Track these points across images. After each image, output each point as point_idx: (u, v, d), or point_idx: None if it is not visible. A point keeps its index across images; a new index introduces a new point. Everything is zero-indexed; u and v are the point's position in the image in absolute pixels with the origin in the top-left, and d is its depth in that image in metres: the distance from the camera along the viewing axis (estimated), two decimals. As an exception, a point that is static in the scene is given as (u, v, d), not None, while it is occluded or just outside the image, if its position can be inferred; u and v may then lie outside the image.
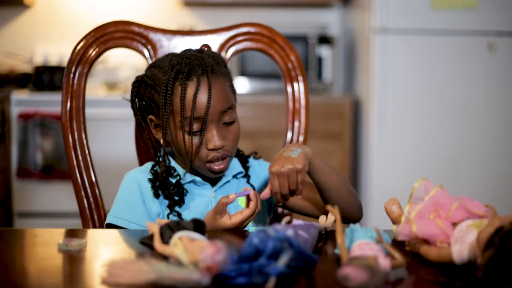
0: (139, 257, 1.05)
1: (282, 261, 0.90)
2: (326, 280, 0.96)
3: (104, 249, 1.18)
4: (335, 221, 1.17)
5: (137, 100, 1.41)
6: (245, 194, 1.29)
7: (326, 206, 1.09)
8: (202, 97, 1.33)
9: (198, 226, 1.07)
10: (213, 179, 1.43)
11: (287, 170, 1.24)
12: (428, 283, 0.96)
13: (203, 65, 1.34)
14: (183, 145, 1.35)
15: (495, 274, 0.87)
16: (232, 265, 0.90)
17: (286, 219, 1.21)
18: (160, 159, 1.40)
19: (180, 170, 1.42)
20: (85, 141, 1.59)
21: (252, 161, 1.52)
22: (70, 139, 1.58)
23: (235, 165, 1.47)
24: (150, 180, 1.39)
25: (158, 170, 1.39)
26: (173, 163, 1.43)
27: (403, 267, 0.99)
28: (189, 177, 1.41)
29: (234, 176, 1.46)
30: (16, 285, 0.95)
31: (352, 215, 1.39)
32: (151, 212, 1.38)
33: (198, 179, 1.41)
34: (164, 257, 0.99)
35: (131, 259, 1.05)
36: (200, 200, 1.41)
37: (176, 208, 1.38)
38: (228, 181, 1.44)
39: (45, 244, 1.18)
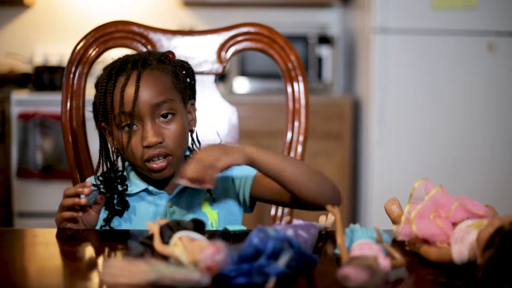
0: (139, 257, 1.05)
1: (282, 261, 0.90)
2: (326, 280, 0.96)
3: (104, 249, 1.18)
4: (335, 221, 1.17)
5: (93, 108, 1.37)
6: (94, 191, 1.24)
7: (326, 206, 1.09)
8: (129, 91, 1.28)
9: (198, 226, 1.07)
10: (168, 187, 1.37)
11: (210, 157, 1.17)
12: (428, 283, 0.96)
13: (136, 60, 1.31)
14: (119, 144, 1.31)
15: (495, 274, 0.87)
16: (232, 265, 0.90)
17: (286, 219, 1.21)
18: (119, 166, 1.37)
19: (134, 180, 1.37)
20: (85, 141, 1.59)
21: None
22: (70, 139, 1.58)
23: None
24: (94, 185, 1.32)
25: (107, 176, 1.35)
26: (132, 175, 1.38)
27: (403, 267, 0.99)
28: (142, 185, 1.36)
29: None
30: (16, 285, 0.95)
31: (326, 202, 1.18)
32: None
33: (151, 187, 1.36)
34: (164, 257, 0.99)
35: (131, 259, 1.05)
36: (149, 210, 1.36)
37: (122, 216, 1.35)
38: (185, 188, 1.35)
39: (45, 244, 1.18)
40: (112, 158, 1.36)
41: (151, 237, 1.08)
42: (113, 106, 1.29)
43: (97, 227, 1.33)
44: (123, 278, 0.91)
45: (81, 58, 1.59)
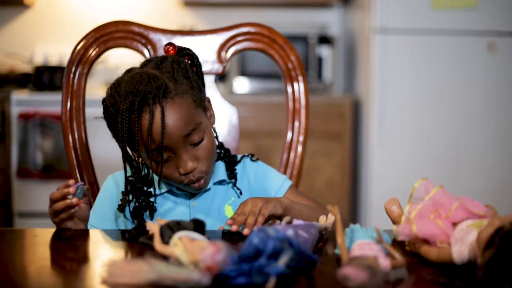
0: (139, 257, 1.05)
1: (282, 261, 0.90)
2: (326, 280, 0.96)
3: (104, 249, 1.18)
4: (335, 221, 1.17)
5: (107, 121, 1.34)
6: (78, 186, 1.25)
7: (326, 206, 1.09)
8: (157, 129, 1.24)
9: (198, 226, 1.07)
10: None
11: (253, 209, 1.24)
12: (428, 283, 0.96)
13: (155, 90, 1.24)
14: (153, 170, 1.31)
15: (495, 274, 0.87)
16: (232, 265, 0.90)
17: (286, 219, 1.21)
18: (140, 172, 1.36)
19: (156, 182, 1.37)
20: (85, 141, 1.59)
21: (247, 163, 1.46)
22: (70, 139, 1.58)
23: (219, 172, 1.41)
24: (122, 192, 1.34)
25: (133, 180, 1.35)
26: (155, 176, 1.37)
27: (403, 267, 0.99)
28: (166, 186, 1.38)
29: (220, 183, 1.41)
30: (16, 285, 0.95)
31: None
32: (119, 220, 1.38)
33: (175, 188, 1.38)
34: (164, 257, 0.99)
35: (131, 259, 1.05)
36: (176, 210, 1.38)
37: (145, 215, 1.35)
38: (209, 189, 1.39)
39: (45, 244, 1.18)
40: (135, 165, 1.35)
41: (151, 237, 1.08)
42: (142, 141, 1.27)
43: (120, 221, 1.36)
44: (124, 278, 0.91)
45: (81, 58, 1.59)
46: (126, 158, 1.30)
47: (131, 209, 1.34)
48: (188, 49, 1.39)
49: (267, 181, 1.45)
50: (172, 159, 1.29)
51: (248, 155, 1.48)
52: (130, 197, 1.34)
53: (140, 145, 1.27)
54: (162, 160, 1.27)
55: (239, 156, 1.47)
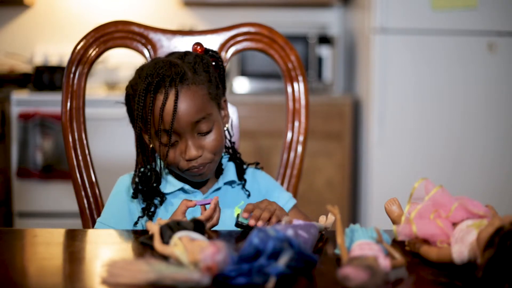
0: (139, 257, 1.05)
1: (282, 261, 0.90)
2: (326, 280, 0.96)
3: (104, 249, 1.18)
4: (335, 221, 1.17)
5: (127, 106, 1.40)
6: (206, 203, 1.27)
7: (326, 206, 1.09)
8: (169, 110, 1.30)
9: (198, 226, 1.07)
10: (203, 187, 1.42)
11: (269, 207, 1.27)
12: (428, 283, 0.96)
13: (173, 75, 1.31)
14: (158, 154, 1.36)
15: (495, 274, 0.87)
16: (232, 265, 0.90)
17: (286, 219, 1.21)
18: (149, 163, 1.40)
19: (169, 179, 1.40)
20: (85, 141, 1.59)
21: (253, 171, 1.50)
22: (70, 139, 1.58)
23: (229, 172, 1.44)
24: (133, 182, 1.38)
25: (144, 172, 1.38)
26: (168, 173, 1.41)
27: (403, 267, 0.99)
28: (178, 184, 1.40)
29: (229, 184, 1.44)
30: (16, 285, 0.95)
31: None
32: (132, 216, 1.39)
33: (187, 186, 1.40)
34: (164, 257, 0.99)
35: (131, 259, 1.05)
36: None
37: (161, 216, 1.37)
38: (219, 188, 1.42)
39: (45, 244, 1.18)
40: (147, 154, 1.40)
41: (151, 237, 1.08)
42: (153, 121, 1.32)
43: (134, 220, 1.38)
44: (124, 278, 0.91)
45: (81, 58, 1.59)
46: (139, 141, 1.35)
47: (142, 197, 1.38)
48: (215, 52, 1.45)
49: (274, 194, 1.49)
50: (178, 144, 1.34)
51: (253, 164, 1.51)
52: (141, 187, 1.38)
53: (151, 126, 1.32)
54: (170, 141, 1.32)
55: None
